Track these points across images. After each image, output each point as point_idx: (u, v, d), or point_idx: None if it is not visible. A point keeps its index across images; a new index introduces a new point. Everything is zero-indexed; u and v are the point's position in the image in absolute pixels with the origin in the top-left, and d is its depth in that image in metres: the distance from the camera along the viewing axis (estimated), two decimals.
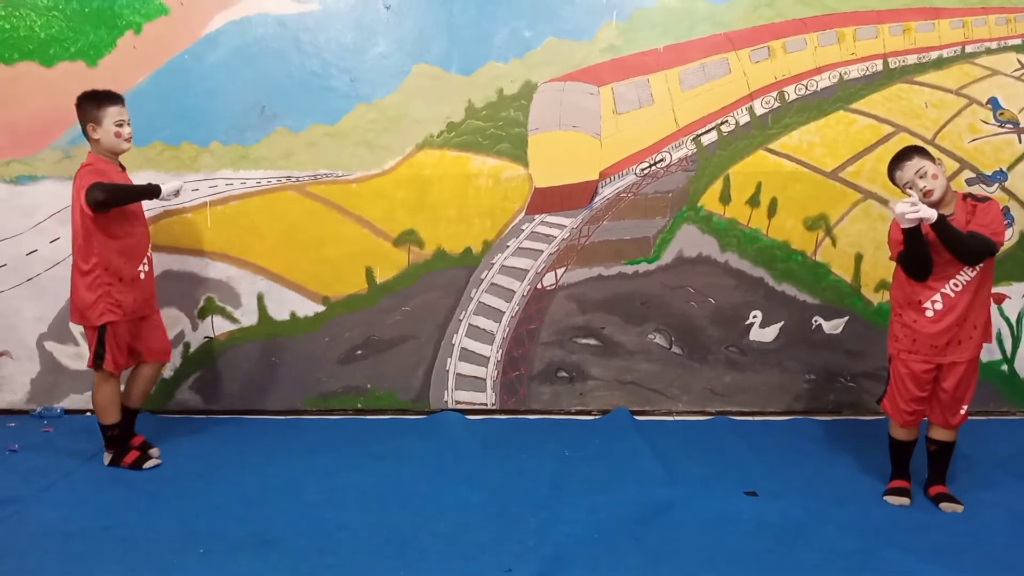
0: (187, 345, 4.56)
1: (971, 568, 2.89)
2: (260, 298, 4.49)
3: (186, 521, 3.29)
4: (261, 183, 4.38)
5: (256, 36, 4.31)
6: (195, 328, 4.54)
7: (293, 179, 4.40)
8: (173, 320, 4.49)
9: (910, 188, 3.28)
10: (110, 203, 3.48)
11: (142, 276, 3.74)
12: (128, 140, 3.63)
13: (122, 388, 3.85)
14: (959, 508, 3.39)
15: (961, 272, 3.27)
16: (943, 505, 3.41)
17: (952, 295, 3.29)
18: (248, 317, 4.52)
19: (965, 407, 3.42)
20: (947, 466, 3.51)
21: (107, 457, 3.85)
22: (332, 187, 4.42)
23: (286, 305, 4.49)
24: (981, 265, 3.27)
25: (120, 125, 3.59)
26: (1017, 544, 3.08)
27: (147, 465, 3.82)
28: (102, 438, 3.84)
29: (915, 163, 3.28)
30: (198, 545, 3.08)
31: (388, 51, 4.33)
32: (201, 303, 4.51)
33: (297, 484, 3.65)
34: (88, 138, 3.63)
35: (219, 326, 4.54)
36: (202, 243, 4.46)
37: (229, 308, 4.52)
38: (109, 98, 3.60)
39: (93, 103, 3.57)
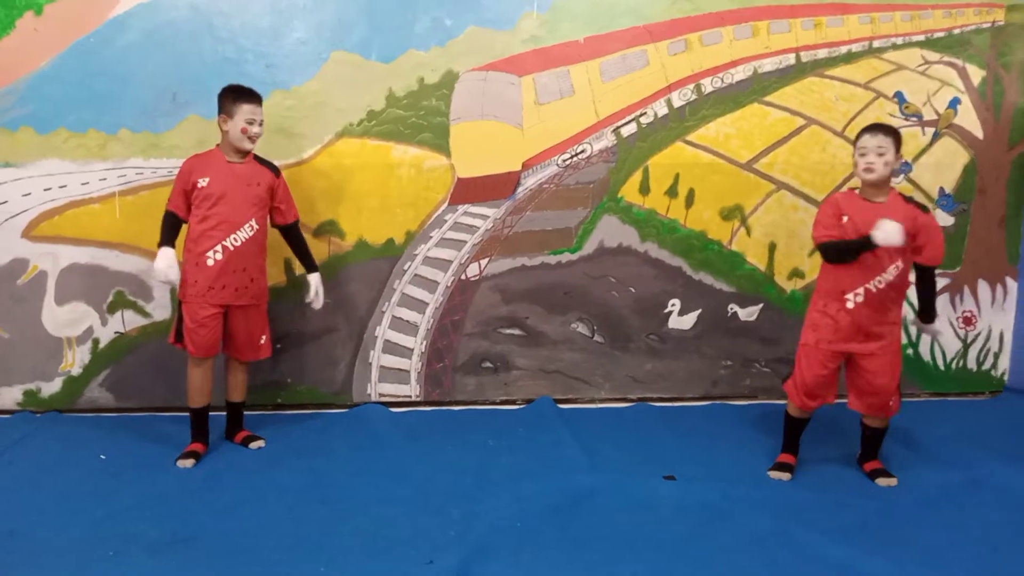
0: (96, 341, 4.38)
1: (880, 545, 3.02)
2: (173, 292, 4.34)
3: (97, 523, 3.17)
4: (173, 172, 4.15)
5: (167, 19, 4.16)
6: (104, 323, 4.37)
7: None
8: (81, 315, 4.32)
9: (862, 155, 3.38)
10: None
11: (209, 263, 3.72)
12: (253, 139, 3.73)
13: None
14: (893, 481, 3.55)
15: (886, 272, 3.40)
16: (879, 480, 3.57)
17: (874, 291, 3.42)
18: (161, 311, 4.37)
19: (894, 399, 3.56)
20: (879, 445, 3.69)
21: None
22: None
23: None
24: (901, 266, 3.40)
25: (251, 123, 3.69)
26: (921, 521, 3.22)
27: (181, 463, 3.73)
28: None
29: (870, 139, 3.37)
30: (109, 547, 2.98)
31: (306, 37, 4.24)
32: (110, 297, 4.34)
33: (214, 481, 3.56)
34: (220, 128, 3.74)
35: (130, 321, 4.38)
36: (111, 235, 4.28)
37: (140, 302, 4.36)
38: (247, 95, 3.71)
39: (230, 97, 3.70)
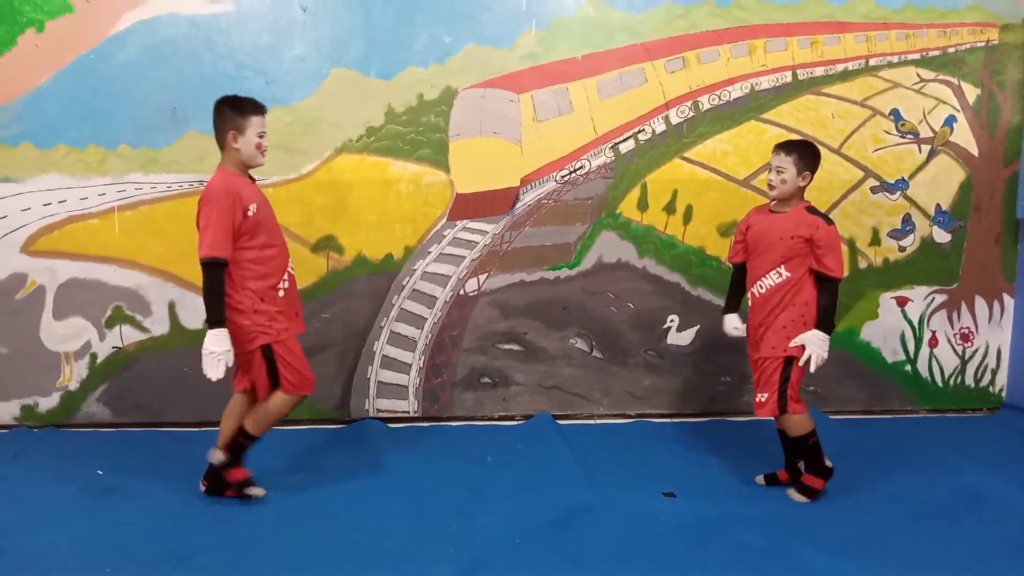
0: (94, 356, 4.38)
1: (872, 559, 3.00)
2: (171, 307, 4.36)
3: (92, 539, 3.15)
4: (172, 187, 4.25)
5: (167, 36, 4.19)
6: (103, 338, 4.37)
7: (206, 183, 4.28)
8: (78, 330, 4.32)
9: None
10: (208, 285, 3.26)
11: (280, 294, 3.45)
12: (264, 154, 3.36)
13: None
14: (796, 495, 3.55)
15: (766, 276, 3.46)
16: (789, 491, 3.60)
17: (757, 295, 3.51)
18: (159, 326, 4.37)
19: (763, 395, 3.50)
20: (790, 455, 3.63)
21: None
22: None
23: (199, 314, 4.32)
24: (788, 274, 3.41)
25: (261, 136, 3.33)
26: (914, 535, 3.21)
27: (252, 491, 3.52)
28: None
29: (773, 158, 3.44)
30: (105, 564, 2.96)
31: (305, 54, 4.27)
32: (109, 312, 4.35)
33: (209, 497, 3.54)
34: (223, 146, 3.33)
35: (128, 336, 4.38)
36: (109, 250, 4.30)
37: (139, 317, 4.36)
38: (254, 107, 3.33)
39: (235, 110, 3.30)
